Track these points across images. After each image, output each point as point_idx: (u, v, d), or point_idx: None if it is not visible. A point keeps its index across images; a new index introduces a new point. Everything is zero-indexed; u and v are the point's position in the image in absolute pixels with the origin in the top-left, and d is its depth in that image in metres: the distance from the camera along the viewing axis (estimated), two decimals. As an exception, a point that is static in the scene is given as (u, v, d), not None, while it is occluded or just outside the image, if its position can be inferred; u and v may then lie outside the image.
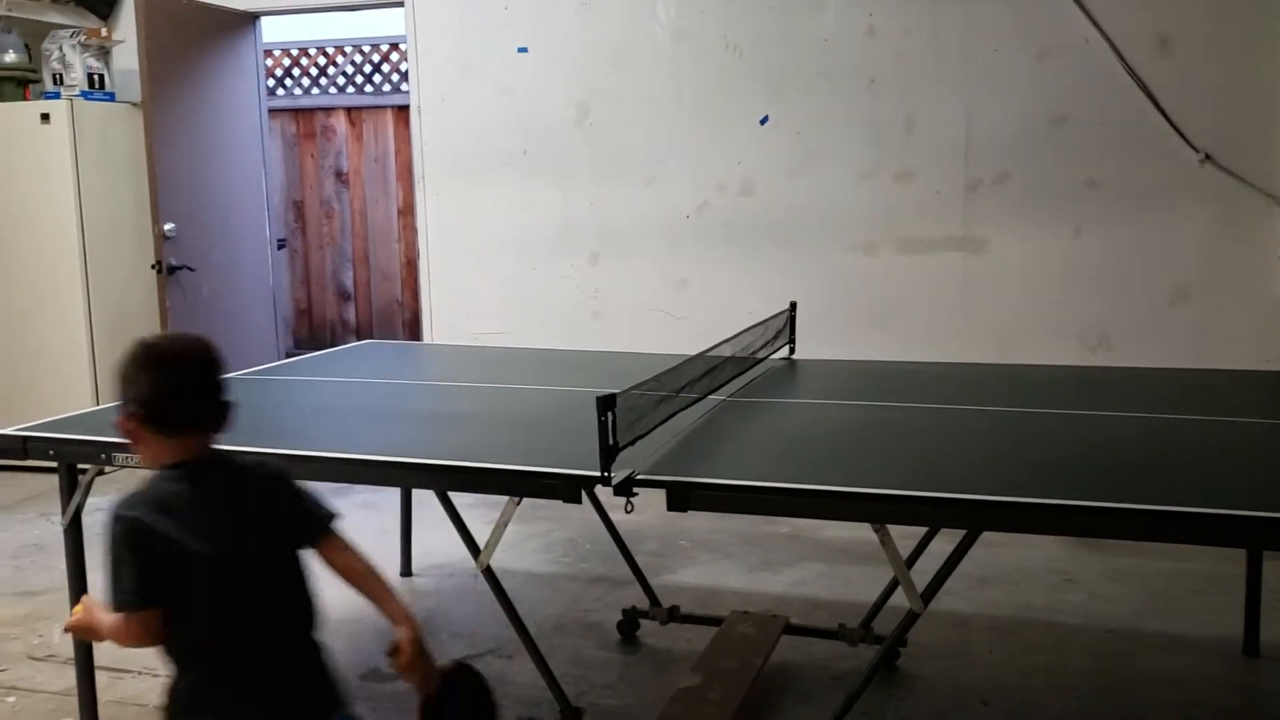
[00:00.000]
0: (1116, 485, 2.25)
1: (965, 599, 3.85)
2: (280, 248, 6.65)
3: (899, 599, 3.20)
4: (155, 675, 3.42)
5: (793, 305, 3.90)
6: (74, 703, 3.07)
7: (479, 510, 2.96)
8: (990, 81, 4.88)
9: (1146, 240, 4.77)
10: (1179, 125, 4.66)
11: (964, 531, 2.30)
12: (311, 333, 8.14)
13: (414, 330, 7.65)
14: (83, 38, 5.79)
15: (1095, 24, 4.69)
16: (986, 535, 2.32)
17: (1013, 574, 4.11)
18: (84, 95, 5.75)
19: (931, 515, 2.22)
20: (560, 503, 2.35)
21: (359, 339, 7.75)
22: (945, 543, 3.07)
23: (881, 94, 5.04)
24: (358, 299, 8.02)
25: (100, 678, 3.10)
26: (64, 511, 2.84)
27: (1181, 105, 4.66)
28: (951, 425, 2.83)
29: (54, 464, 2.84)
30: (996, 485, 2.23)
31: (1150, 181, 4.74)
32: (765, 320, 3.63)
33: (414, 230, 5.96)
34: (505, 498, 2.52)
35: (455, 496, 2.76)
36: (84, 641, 2.94)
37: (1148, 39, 4.67)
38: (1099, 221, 4.82)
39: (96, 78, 5.85)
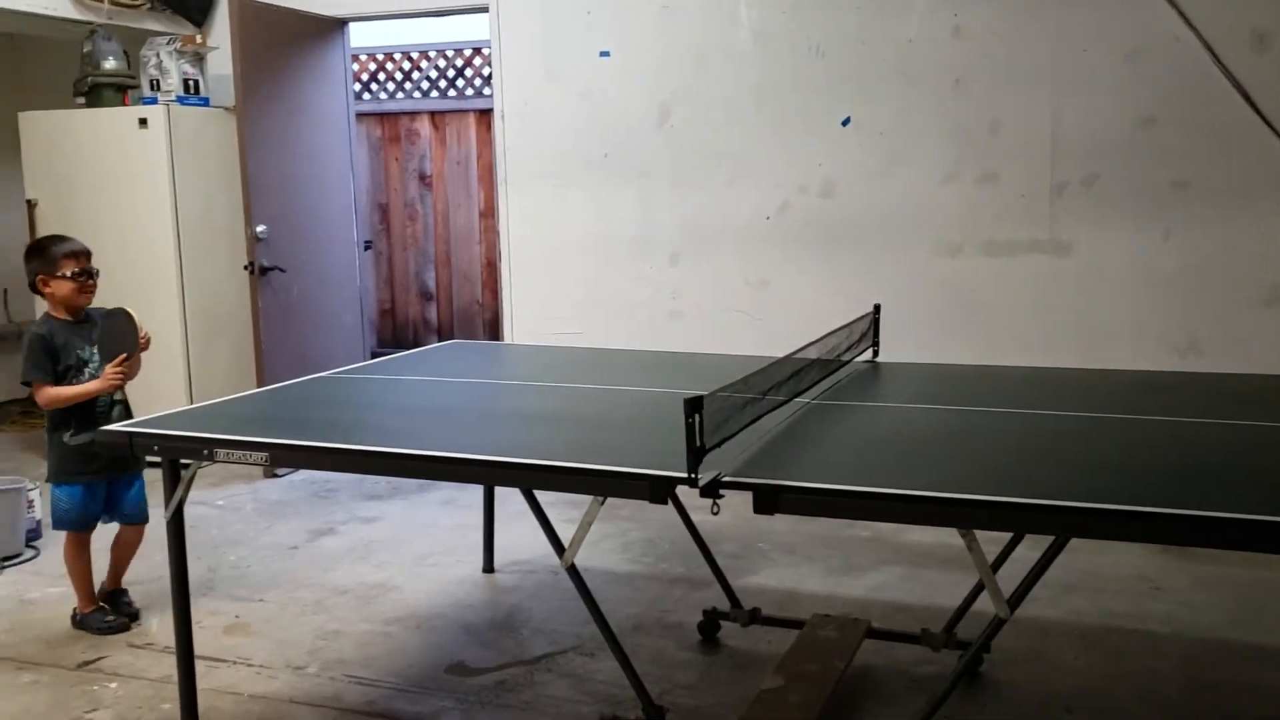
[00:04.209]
0: (1205, 492, 2.22)
1: (1049, 605, 3.81)
2: (366, 249, 6.79)
3: (981, 604, 3.19)
4: (249, 665, 3.53)
5: (876, 308, 3.89)
6: (172, 689, 3.18)
7: (558, 508, 3.01)
8: (1078, 82, 4.81)
9: (1238, 242, 4.67)
10: (1275, 124, 4.55)
11: (1047, 537, 2.28)
12: (395, 332, 8.29)
13: (493, 330, 7.76)
14: (179, 44, 5.96)
15: (1188, 22, 4.60)
16: (1070, 542, 2.30)
17: (1097, 581, 4.06)
18: (180, 100, 5.92)
19: (1020, 521, 2.20)
20: (637, 502, 2.38)
21: (440, 339, 7.88)
22: (1025, 548, 3.06)
23: (966, 95, 4.99)
24: (439, 299, 8.15)
25: (197, 666, 3.19)
26: (166, 504, 2.94)
27: (1278, 103, 4.55)
28: (1038, 429, 2.81)
29: (157, 459, 2.94)
30: (1084, 491, 2.21)
31: (1243, 182, 4.63)
32: (850, 323, 3.63)
33: (495, 232, 6.05)
34: (584, 496, 2.54)
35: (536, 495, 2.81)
36: (184, 642, 3.05)
37: (1244, 35, 4.56)
38: (1189, 223, 4.73)
39: (192, 83, 6.02)
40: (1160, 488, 2.26)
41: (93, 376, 3.75)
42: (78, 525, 3.83)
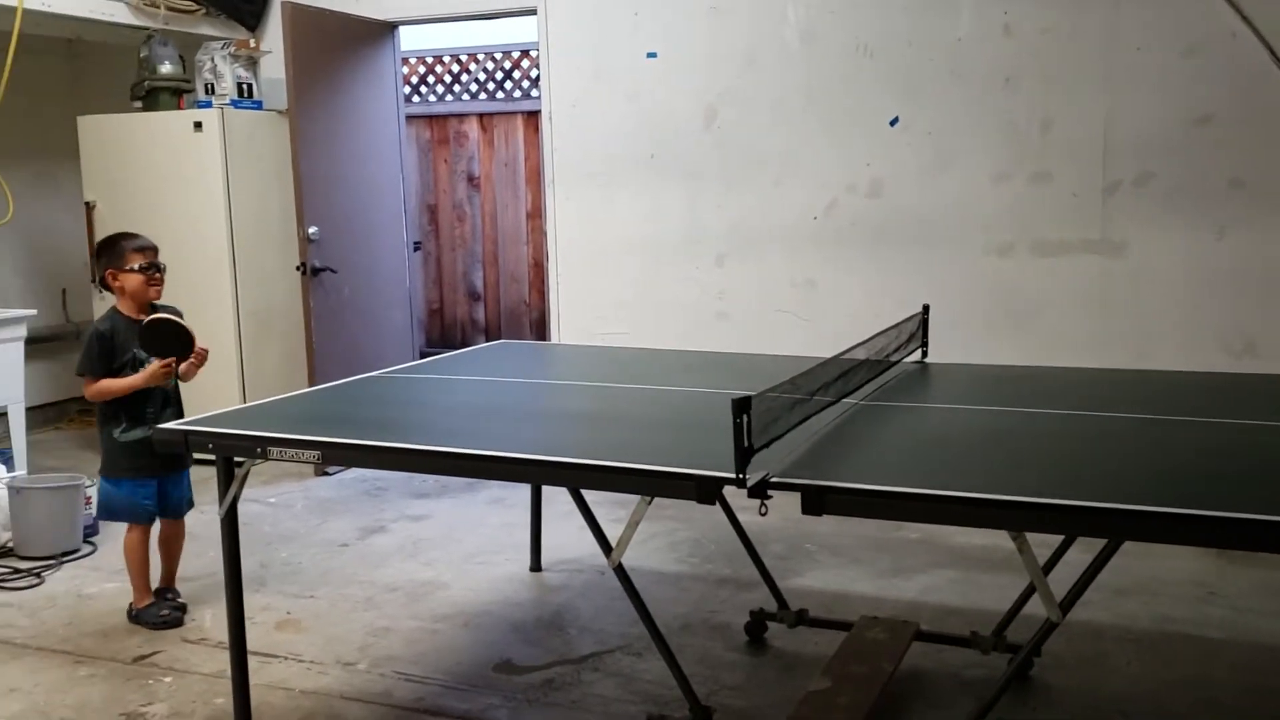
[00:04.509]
0: (1262, 496, 2.18)
1: (1101, 609, 3.76)
2: (415, 250, 6.85)
3: (1032, 607, 3.16)
4: (300, 660, 3.58)
5: (925, 308, 3.86)
6: (225, 684, 3.23)
7: (605, 508, 3.02)
8: (1131, 80, 4.75)
9: (1297, 242, 4.59)
10: (1335, 123, 4.46)
11: (1098, 540, 2.25)
12: (443, 332, 8.35)
13: (540, 330, 7.79)
14: (233, 49, 6.05)
15: (1244, 18, 4.53)
16: (1122, 545, 2.27)
17: (1151, 585, 4.00)
18: (233, 104, 6.01)
19: (1072, 524, 2.18)
20: (683, 502, 2.37)
21: (488, 339, 7.93)
22: (1077, 551, 3.02)
23: (1017, 94, 4.94)
24: (487, 300, 8.20)
25: (249, 661, 3.23)
26: (220, 502, 2.98)
27: (1338, 102, 4.46)
28: (1089, 431, 2.78)
29: (209, 457, 2.99)
30: (1136, 494, 2.18)
31: (1302, 181, 4.55)
32: (899, 323, 3.61)
33: (542, 233, 6.08)
34: (631, 496, 2.54)
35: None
36: (238, 633, 3.10)
37: (1302, 33, 4.48)
38: (1244, 223, 4.65)
39: (245, 87, 6.11)
40: (1215, 491, 2.23)
41: None
42: (127, 517, 3.91)
